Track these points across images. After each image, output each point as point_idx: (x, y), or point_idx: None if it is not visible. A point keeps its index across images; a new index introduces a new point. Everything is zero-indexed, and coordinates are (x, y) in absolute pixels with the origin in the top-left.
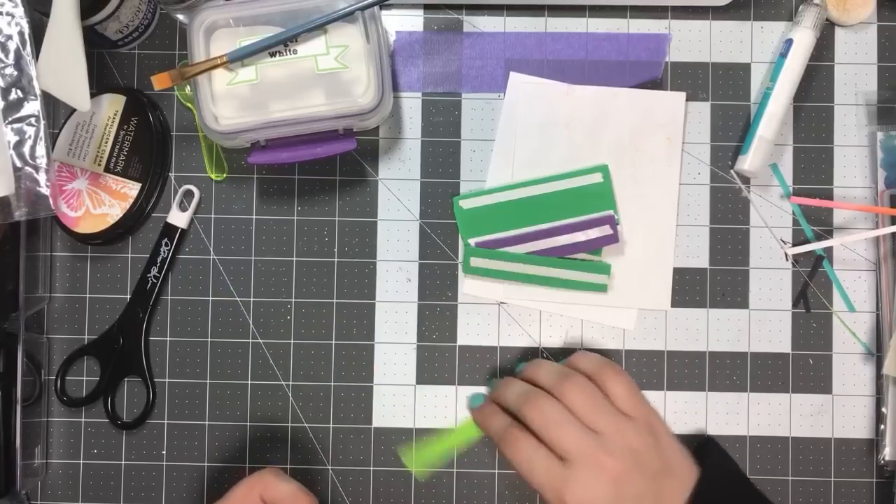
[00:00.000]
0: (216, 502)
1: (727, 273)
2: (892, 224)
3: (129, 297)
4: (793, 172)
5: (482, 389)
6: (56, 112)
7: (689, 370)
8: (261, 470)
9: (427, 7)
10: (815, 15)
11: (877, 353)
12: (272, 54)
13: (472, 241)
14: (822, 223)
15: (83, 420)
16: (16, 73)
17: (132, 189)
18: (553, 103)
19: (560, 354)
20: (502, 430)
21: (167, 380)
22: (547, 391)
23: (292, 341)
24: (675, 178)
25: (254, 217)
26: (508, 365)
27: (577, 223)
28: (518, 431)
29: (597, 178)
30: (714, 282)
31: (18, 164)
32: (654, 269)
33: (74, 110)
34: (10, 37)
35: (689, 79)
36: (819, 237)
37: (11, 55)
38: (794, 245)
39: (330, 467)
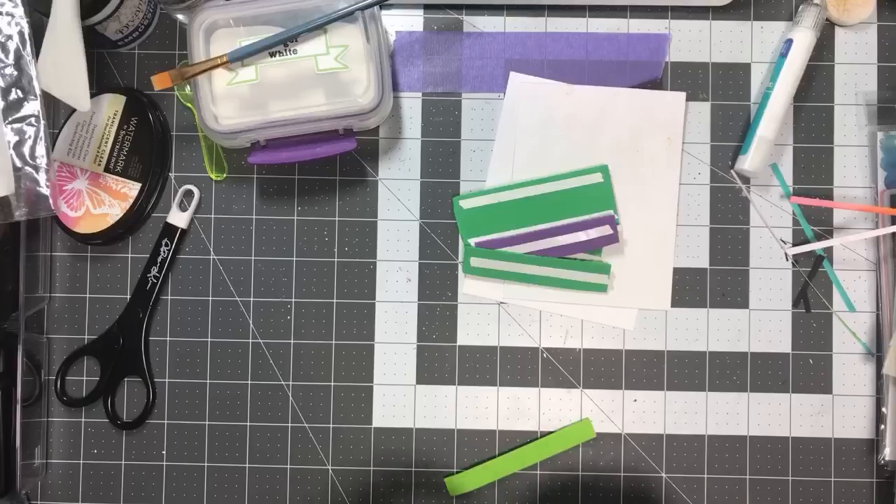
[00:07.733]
0: None
1: (727, 273)
2: (892, 224)
3: (129, 297)
4: (793, 172)
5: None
6: (56, 112)
7: (689, 370)
8: None
9: (427, 7)
10: (815, 15)
11: (877, 353)
12: (272, 54)
13: (472, 241)
14: (822, 223)
15: (83, 420)
16: (16, 73)
17: (132, 189)
18: (553, 103)
19: (560, 354)
20: None
21: (167, 380)
22: None
23: (292, 341)
24: (675, 178)
25: (254, 217)
26: (508, 365)
27: (577, 223)
28: None
29: (597, 178)
30: (714, 282)
31: (18, 164)
32: (654, 269)
33: (74, 110)
34: (10, 37)
35: (689, 79)
36: (819, 237)
37: (11, 55)
38: (794, 245)
39: (330, 467)
